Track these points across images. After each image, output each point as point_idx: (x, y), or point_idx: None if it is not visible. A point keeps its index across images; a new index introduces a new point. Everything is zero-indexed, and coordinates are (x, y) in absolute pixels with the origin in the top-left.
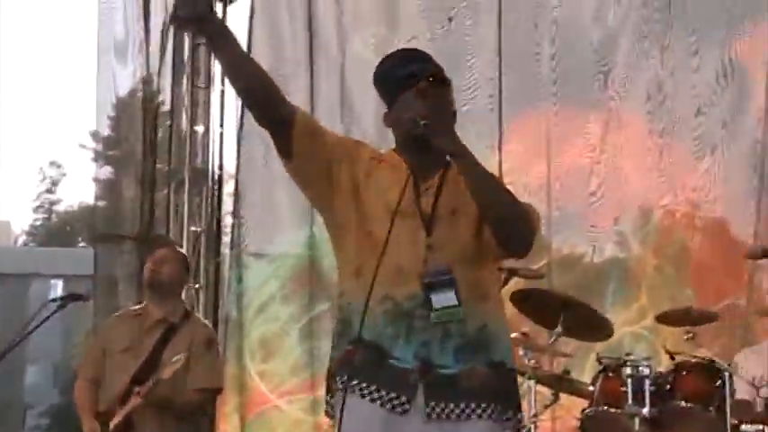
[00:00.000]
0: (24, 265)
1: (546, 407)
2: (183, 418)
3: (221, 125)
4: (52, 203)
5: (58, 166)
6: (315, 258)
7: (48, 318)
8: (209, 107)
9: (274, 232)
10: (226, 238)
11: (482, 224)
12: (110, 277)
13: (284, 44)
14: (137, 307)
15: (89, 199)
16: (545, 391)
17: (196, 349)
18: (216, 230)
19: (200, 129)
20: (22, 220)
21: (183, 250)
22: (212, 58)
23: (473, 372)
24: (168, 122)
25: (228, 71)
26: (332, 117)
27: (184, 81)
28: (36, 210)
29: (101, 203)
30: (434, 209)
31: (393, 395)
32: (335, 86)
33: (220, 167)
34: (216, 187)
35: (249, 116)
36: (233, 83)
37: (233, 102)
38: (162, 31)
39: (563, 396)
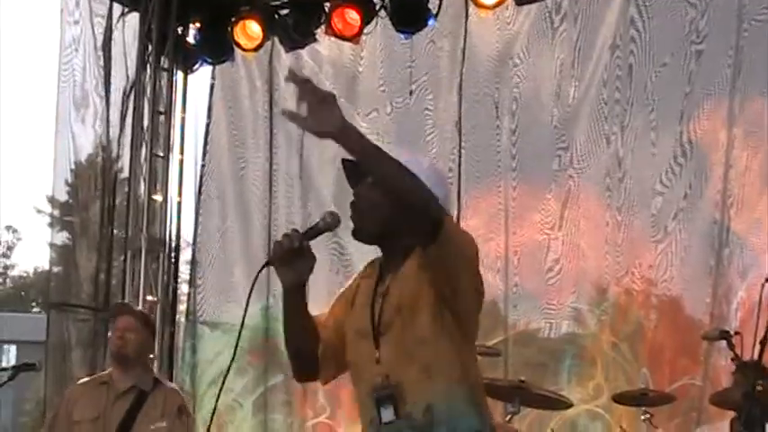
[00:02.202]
0: None
1: None
2: None
3: (179, 194)
4: (6, 268)
5: (14, 231)
6: (270, 330)
7: None
8: (167, 176)
9: (230, 302)
10: (181, 307)
11: (433, 310)
12: (62, 345)
13: (244, 115)
14: (103, 374)
15: (44, 264)
16: None
17: (168, 417)
18: (171, 299)
19: (158, 197)
20: None
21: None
22: (171, 126)
23: None
24: (126, 190)
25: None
26: (290, 189)
27: (143, 149)
28: None
29: (56, 269)
30: (381, 315)
31: None
32: (295, 158)
33: (177, 236)
34: (173, 256)
35: (207, 186)
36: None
37: (191, 171)
38: (122, 98)
39: None
